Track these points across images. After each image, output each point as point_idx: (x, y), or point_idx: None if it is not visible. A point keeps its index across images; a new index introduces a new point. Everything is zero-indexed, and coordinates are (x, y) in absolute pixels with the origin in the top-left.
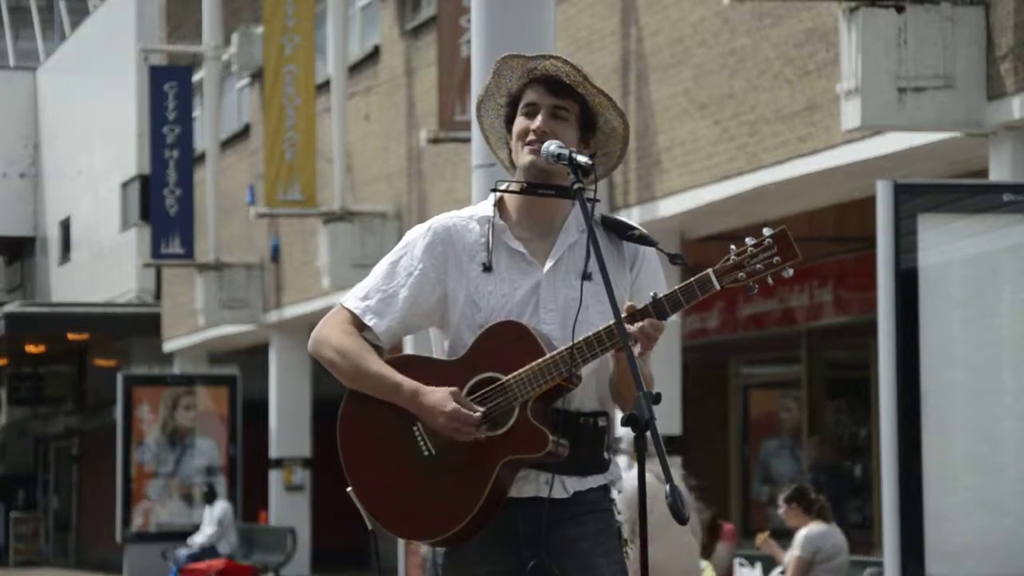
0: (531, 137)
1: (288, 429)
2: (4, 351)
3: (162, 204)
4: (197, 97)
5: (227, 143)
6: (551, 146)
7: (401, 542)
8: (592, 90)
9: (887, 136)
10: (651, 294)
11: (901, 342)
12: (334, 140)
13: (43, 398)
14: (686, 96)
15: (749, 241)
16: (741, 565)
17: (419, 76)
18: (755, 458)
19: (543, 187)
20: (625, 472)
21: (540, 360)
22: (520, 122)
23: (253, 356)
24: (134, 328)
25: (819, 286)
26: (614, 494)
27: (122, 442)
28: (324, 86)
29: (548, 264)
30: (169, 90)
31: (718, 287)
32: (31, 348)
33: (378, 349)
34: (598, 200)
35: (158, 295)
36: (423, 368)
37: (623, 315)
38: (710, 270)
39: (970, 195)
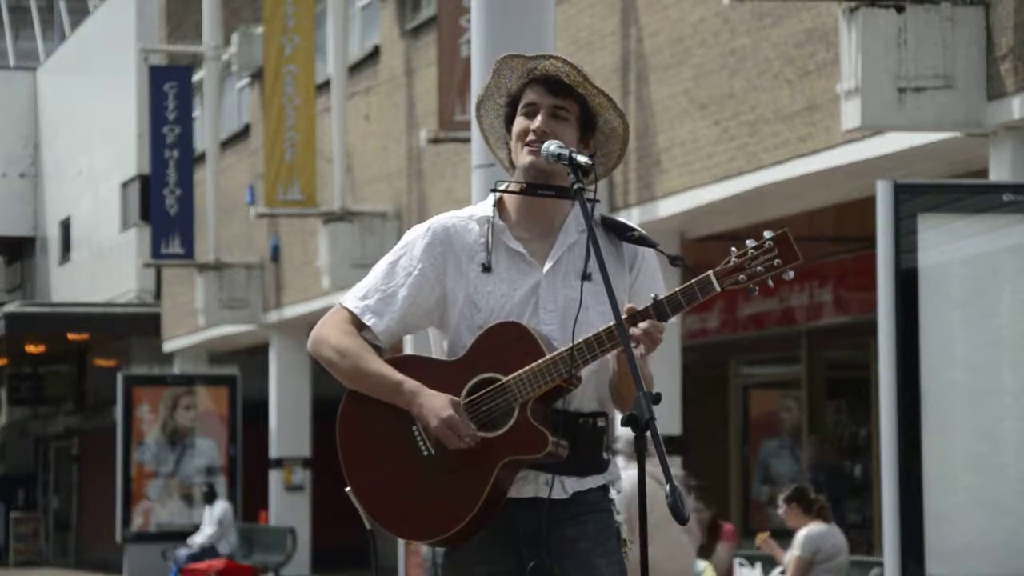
0: (531, 137)
1: (288, 429)
2: (4, 351)
3: (162, 204)
4: (197, 97)
5: (227, 143)
6: (551, 146)
7: (401, 542)
8: (592, 90)
9: (887, 136)
10: (652, 296)
11: (901, 342)
12: (334, 140)
13: (43, 398)
14: (686, 96)
15: (750, 243)
16: (741, 565)
17: (419, 76)
18: (755, 458)
19: (543, 187)
20: (623, 472)
21: (540, 361)
22: (520, 122)
23: (253, 356)
24: (134, 328)
25: (819, 286)
26: (613, 494)
27: (122, 442)
28: (324, 86)
29: (548, 264)
30: (169, 90)
31: (719, 289)
32: (31, 348)
33: (378, 349)
34: (598, 200)
35: (158, 295)
36: (423, 368)
37: (623, 317)
38: (711, 272)
39: (970, 195)
